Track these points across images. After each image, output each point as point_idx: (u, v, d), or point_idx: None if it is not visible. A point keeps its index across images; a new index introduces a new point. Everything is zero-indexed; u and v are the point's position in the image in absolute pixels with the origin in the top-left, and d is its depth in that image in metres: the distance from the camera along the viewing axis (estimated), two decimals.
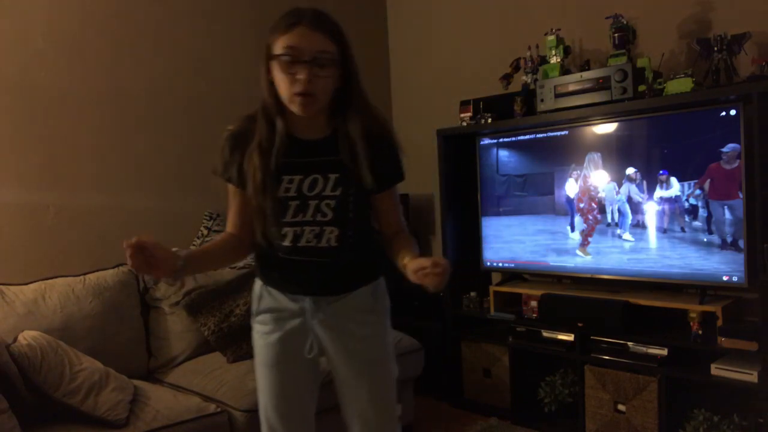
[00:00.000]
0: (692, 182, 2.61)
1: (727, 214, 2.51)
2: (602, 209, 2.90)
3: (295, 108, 1.44)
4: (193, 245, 3.16)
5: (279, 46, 1.42)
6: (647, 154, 2.76)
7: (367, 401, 1.64)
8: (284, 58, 1.40)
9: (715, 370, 2.44)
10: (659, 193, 2.71)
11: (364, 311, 1.63)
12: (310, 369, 1.65)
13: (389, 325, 1.70)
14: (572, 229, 3.01)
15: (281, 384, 1.62)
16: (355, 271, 1.62)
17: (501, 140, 3.23)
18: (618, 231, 2.85)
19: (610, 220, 2.87)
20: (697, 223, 2.60)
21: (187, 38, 3.25)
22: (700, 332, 2.55)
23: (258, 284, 1.66)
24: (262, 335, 1.63)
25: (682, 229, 2.65)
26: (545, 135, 3.07)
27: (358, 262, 1.62)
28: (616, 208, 2.85)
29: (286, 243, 1.53)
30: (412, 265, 1.40)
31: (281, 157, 1.48)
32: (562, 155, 3.02)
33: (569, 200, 3.01)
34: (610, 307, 2.73)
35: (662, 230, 2.72)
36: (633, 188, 2.79)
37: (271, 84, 1.46)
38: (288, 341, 1.60)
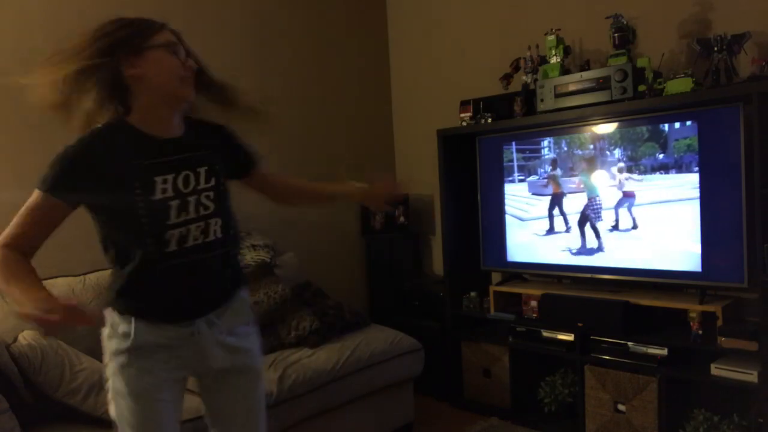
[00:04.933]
0: (692, 182, 2.61)
1: (727, 214, 2.51)
2: (602, 208, 2.90)
3: (186, 90, 1.52)
4: None
5: (160, 39, 1.52)
6: (646, 153, 2.76)
7: (247, 419, 1.60)
8: (173, 47, 1.52)
9: (715, 370, 2.45)
10: (659, 191, 2.71)
11: (245, 322, 1.61)
12: (181, 396, 1.58)
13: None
14: (567, 223, 3.01)
15: (162, 422, 1.50)
16: (236, 268, 1.61)
17: (501, 140, 3.23)
18: (617, 228, 2.86)
19: (610, 218, 2.88)
20: (696, 222, 2.60)
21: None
22: (700, 332, 2.55)
23: (123, 319, 1.55)
24: (140, 371, 1.50)
25: (681, 228, 2.65)
26: (545, 134, 3.07)
27: (237, 256, 1.63)
28: (615, 206, 2.85)
29: (171, 248, 1.45)
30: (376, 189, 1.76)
31: (146, 159, 1.46)
32: (561, 154, 3.02)
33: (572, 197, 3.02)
34: (610, 307, 2.73)
35: (661, 229, 2.72)
36: (632, 186, 2.79)
37: (128, 82, 1.48)
38: (175, 371, 1.52)
